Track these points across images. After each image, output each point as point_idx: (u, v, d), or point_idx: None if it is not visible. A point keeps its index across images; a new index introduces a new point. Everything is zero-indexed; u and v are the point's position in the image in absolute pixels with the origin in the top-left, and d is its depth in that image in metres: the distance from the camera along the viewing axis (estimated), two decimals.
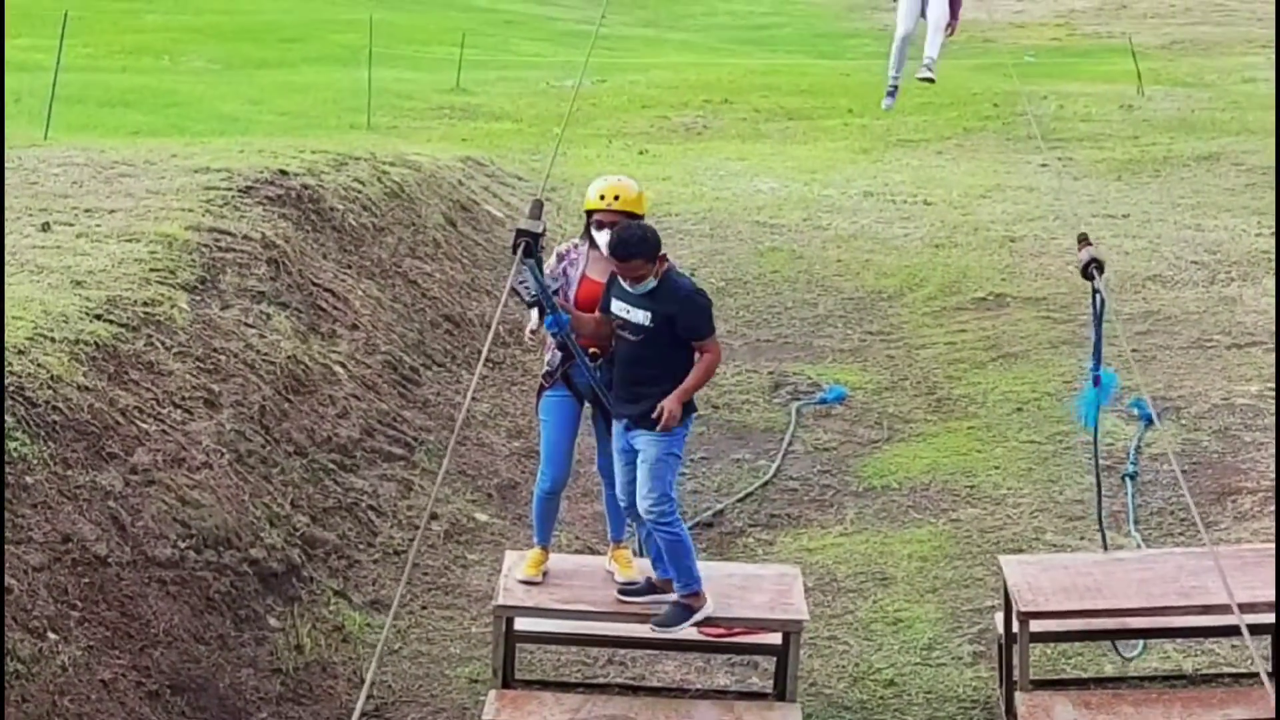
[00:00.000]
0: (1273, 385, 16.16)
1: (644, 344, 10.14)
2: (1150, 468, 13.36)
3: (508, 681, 10.89)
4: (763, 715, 10.90)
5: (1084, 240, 11.60)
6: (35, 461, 11.01)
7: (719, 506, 14.44)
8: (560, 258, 10.63)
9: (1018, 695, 10.70)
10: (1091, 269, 11.28)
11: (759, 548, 13.71)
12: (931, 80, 16.86)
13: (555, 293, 10.34)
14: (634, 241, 9.97)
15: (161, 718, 10.37)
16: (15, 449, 10.91)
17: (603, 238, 10.31)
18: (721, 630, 11.33)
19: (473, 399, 15.46)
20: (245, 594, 11.82)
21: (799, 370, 17.41)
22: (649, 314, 10.04)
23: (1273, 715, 10.65)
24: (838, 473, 15.19)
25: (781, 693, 11.08)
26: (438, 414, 15.22)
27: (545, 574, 10.74)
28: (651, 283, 10.06)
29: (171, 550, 11.51)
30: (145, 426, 12.28)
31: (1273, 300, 18.60)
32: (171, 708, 10.50)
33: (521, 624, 10.88)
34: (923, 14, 16.95)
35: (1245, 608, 10.76)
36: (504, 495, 14.22)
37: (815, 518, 14.36)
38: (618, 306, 10.15)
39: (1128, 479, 13.52)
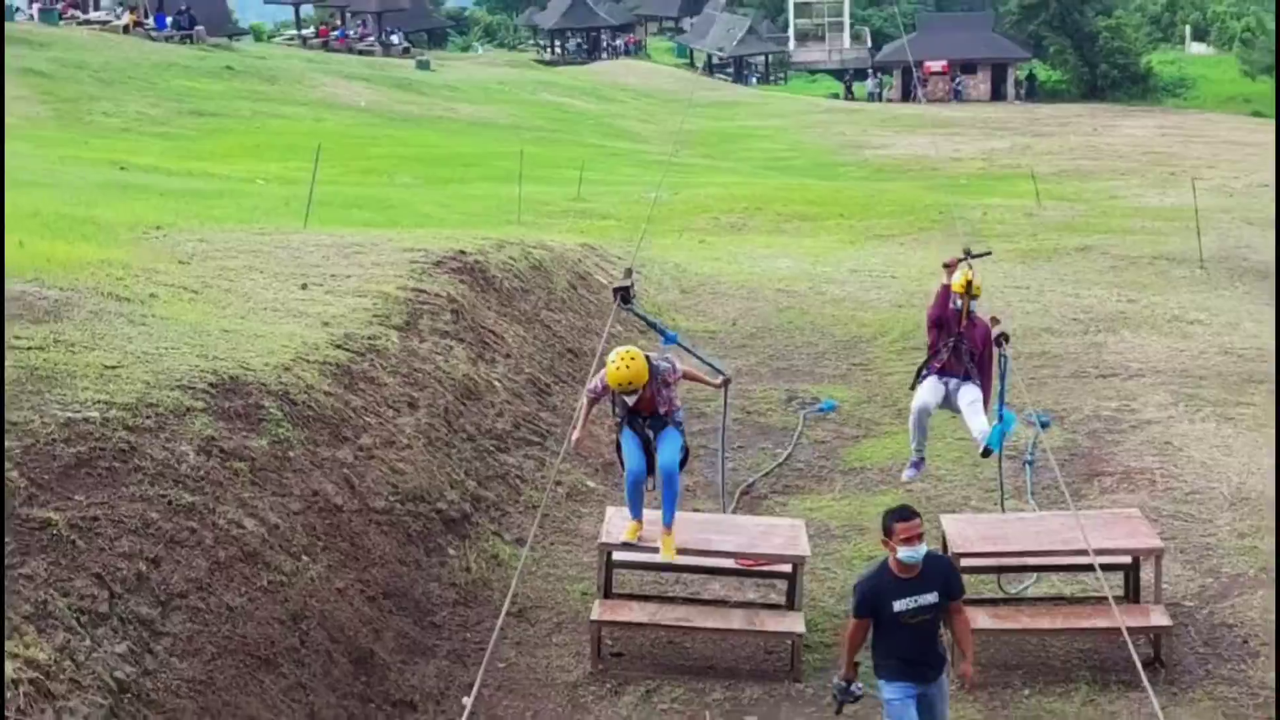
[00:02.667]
0: (1128, 403, 16.06)
1: (935, 618, 8.48)
2: (1042, 458, 13.26)
3: (607, 593, 10.95)
4: (778, 619, 10.94)
5: (995, 320, 12.05)
6: (295, 442, 11.11)
7: (751, 480, 14.43)
8: (603, 385, 10.61)
9: None
10: (1000, 339, 11.57)
11: (777, 507, 13.72)
12: (990, 452, 11.96)
13: (605, 390, 10.54)
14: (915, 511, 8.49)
15: (376, 614, 10.46)
16: (281, 434, 11.02)
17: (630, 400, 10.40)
18: (751, 562, 11.37)
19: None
20: (432, 533, 11.90)
21: (804, 388, 17.40)
22: (935, 592, 8.40)
23: (1124, 625, 10.64)
24: (830, 458, 15.18)
25: (791, 604, 11.10)
26: (563, 414, 15.27)
27: (640, 538, 10.73)
28: (919, 553, 8.37)
29: (384, 502, 11.60)
30: (368, 419, 12.39)
31: (1129, 345, 18.48)
32: (383, 608, 10.60)
33: (617, 556, 10.93)
34: (945, 403, 12.41)
35: (1101, 552, 10.78)
36: (606, 469, 14.18)
37: (815, 488, 14.36)
38: (904, 604, 8.30)
39: (1027, 464, 13.40)
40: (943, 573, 8.48)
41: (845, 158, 47.72)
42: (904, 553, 8.25)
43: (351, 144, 37.38)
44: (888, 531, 8.37)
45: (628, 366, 10.24)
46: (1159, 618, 10.43)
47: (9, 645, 7.40)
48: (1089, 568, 11.20)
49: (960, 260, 11.80)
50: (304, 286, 15.40)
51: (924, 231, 27.74)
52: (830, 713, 9.96)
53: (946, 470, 14.49)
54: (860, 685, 8.58)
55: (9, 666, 7.27)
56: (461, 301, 16.16)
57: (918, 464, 12.80)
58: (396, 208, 26.98)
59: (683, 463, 10.85)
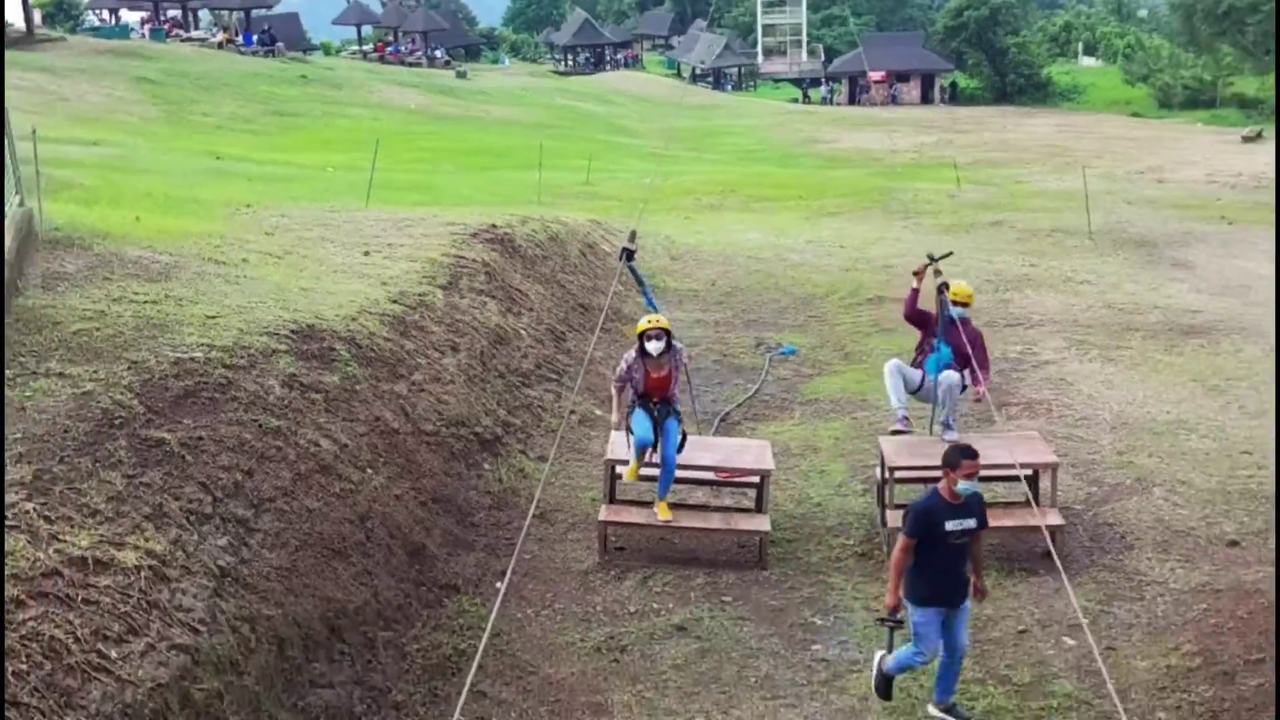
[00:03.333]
0: (1030, 347, 16.05)
1: (968, 544, 8.08)
2: (963, 397, 13.27)
3: (612, 499, 10.96)
4: (748, 520, 10.94)
5: (943, 286, 11.15)
6: (360, 377, 11.09)
7: (728, 409, 14.43)
8: (628, 366, 10.47)
9: (887, 511, 10.73)
10: (941, 288, 11.12)
11: (748, 431, 13.72)
12: (954, 438, 10.70)
13: (630, 372, 10.43)
14: (977, 451, 8.16)
15: (427, 515, 10.46)
16: (349, 371, 10.99)
17: (651, 345, 10.25)
18: (727, 474, 11.40)
19: (594, 349, 15.53)
20: (471, 451, 11.90)
21: (770, 336, 17.38)
22: (974, 519, 8.08)
23: (1025, 524, 10.68)
24: (791, 392, 15.16)
25: (759, 508, 11.12)
26: (576, 357, 15.25)
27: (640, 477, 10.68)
28: (972, 487, 8.08)
29: (432, 426, 11.59)
30: (418, 360, 12.37)
31: (1031, 301, 18.45)
32: (432, 510, 10.58)
33: (620, 469, 10.93)
34: (920, 386, 11.17)
35: (1008, 465, 10.77)
36: (610, 401, 14.19)
37: (778, 416, 14.35)
38: (954, 525, 7.96)
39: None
40: (979, 505, 8.13)
41: (803, 150, 47.47)
42: (963, 485, 7.95)
43: (403, 139, 37.13)
44: (953, 464, 7.98)
45: (658, 320, 10.42)
46: (1054, 518, 10.47)
47: (132, 539, 7.43)
48: (999, 478, 11.24)
49: (926, 265, 11.07)
50: (366, 253, 15.36)
51: (867, 210, 27.64)
52: (791, 593, 10.04)
53: (884, 402, 14.46)
54: (902, 612, 8.03)
55: (132, 556, 7.30)
56: (493, 265, 16.11)
57: (904, 420, 11.24)
58: (440, 190, 26.87)
59: (680, 445, 10.69)
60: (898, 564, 8.01)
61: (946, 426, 11.18)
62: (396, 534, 9.80)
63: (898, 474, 10.77)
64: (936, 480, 11.28)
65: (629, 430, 10.59)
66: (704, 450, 11.29)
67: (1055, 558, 10.38)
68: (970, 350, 10.84)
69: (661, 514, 10.59)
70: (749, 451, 11.40)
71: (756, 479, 11.14)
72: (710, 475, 11.43)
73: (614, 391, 10.72)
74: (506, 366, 13.98)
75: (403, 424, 11.15)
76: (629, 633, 9.41)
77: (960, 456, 8.05)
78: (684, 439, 10.71)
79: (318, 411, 10.11)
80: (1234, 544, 10.39)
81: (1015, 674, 8.76)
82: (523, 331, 15.09)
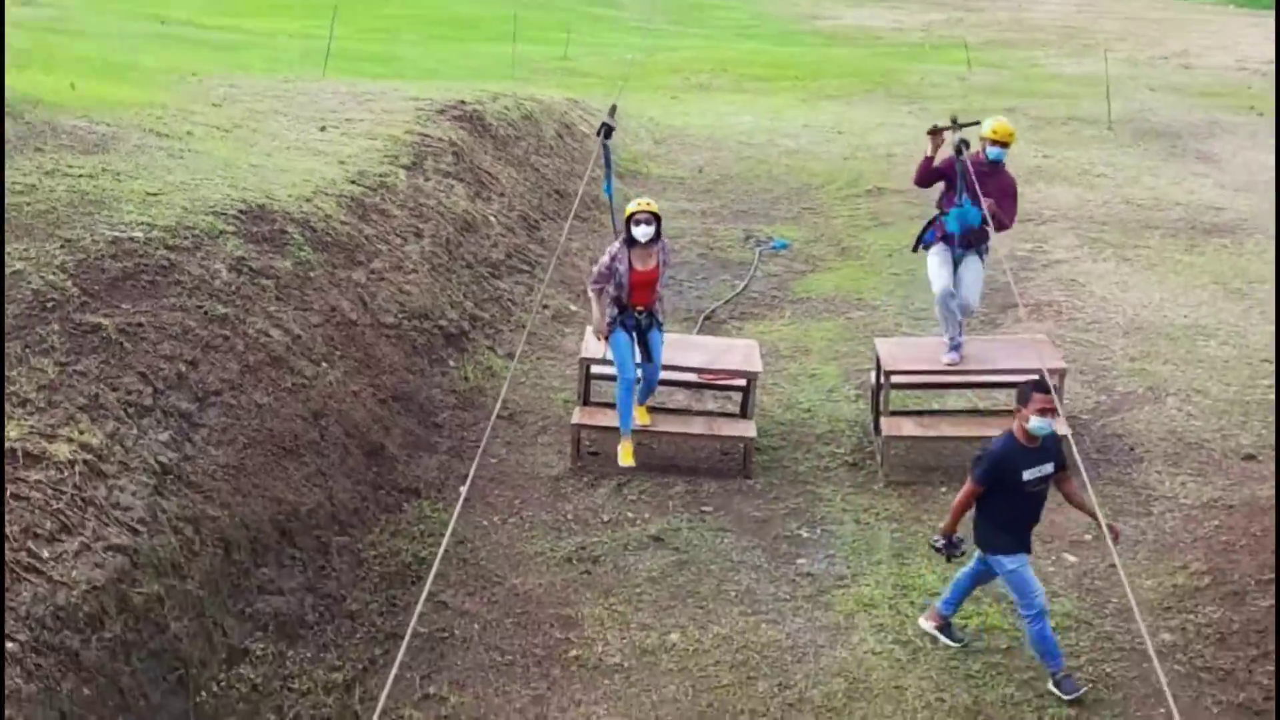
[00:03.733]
0: (1041, 245, 16.04)
1: (1047, 488, 7.94)
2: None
3: (586, 401, 10.96)
4: (732, 425, 10.97)
5: (962, 146, 10.64)
6: (315, 263, 11.02)
7: (713, 306, 14.41)
8: (611, 257, 10.16)
9: (882, 418, 10.78)
10: (960, 146, 10.68)
11: (734, 331, 13.70)
12: (957, 361, 10.88)
13: (611, 272, 10.10)
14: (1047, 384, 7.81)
15: (386, 413, 10.47)
16: (303, 256, 10.93)
17: (640, 231, 10.04)
18: (712, 376, 11.40)
19: (569, 239, 15.45)
20: (435, 346, 11.88)
21: (760, 228, 17.31)
22: (1052, 463, 7.88)
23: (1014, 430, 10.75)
24: (781, 289, 15.14)
25: (744, 413, 11.15)
26: (550, 246, 15.17)
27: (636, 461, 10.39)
28: (1048, 426, 7.79)
29: (393, 318, 11.55)
30: (379, 246, 12.29)
31: (1043, 195, 18.40)
32: (392, 409, 10.60)
33: (595, 369, 10.93)
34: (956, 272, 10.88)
35: (1013, 371, 10.84)
36: (584, 296, 14.13)
37: (768, 314, 14.33)
38: (1031, 473, 7.74)
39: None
40: (1056, 447, 7.85)
41: (801, 26, 46.95)
42: (1035, 423, 7.63)
43: (364, 5, 36.47)
44: (1024, 399, 7.74)
45: (648, 203, 10.21)
46: (1061, 428, 10.42)
47: (65, 431, 7.40)
48: (1003, 384, 11.30)
49: (947, 128, 10.66)
50: (322, 129, 15.17)
51: (869, 93, 27.39)
52: (776, 503, 10.11)
53: (882, 301, 14.49)
54: (961, 537, 7.98)
55: (65, 449, 7.27)
56: (461, 145, 15.94)
57: (957, 348, 10.97)
58: (404, 62, 26.50)
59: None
60: (959, 507, 7.88)
61: (952, 347, 10.96)
62: (353, 433, 9.80)
63: (894, 379, 10.79)
64: (936, 386, 11.49)
65: (608, 351, 10.32)
66: (687, 350, 11.28)
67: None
68: (999, 204, 10.45)
69: (640, 418, 10.59)
70: (735, 352, 11.39)
71: (742, 382, 11.15)
72: (693, 377, 11.43)
73: (592, 294, 10.30)
74: (474, 256, 13.90)
75: (361, 315, 11.11)
76: (602, 543, 9.46)
77: (1032, 390, 7.72)
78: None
79: (268, 299, 10.04)
80: (1250, 458, 10.48)
81: None
82: (492, 218, 15.00)
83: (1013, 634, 8.39)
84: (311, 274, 10.85)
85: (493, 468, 10.48)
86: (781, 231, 17.15)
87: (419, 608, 5.59)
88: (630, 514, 9.92)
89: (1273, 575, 8.59)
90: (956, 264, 10.90)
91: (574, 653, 8.21)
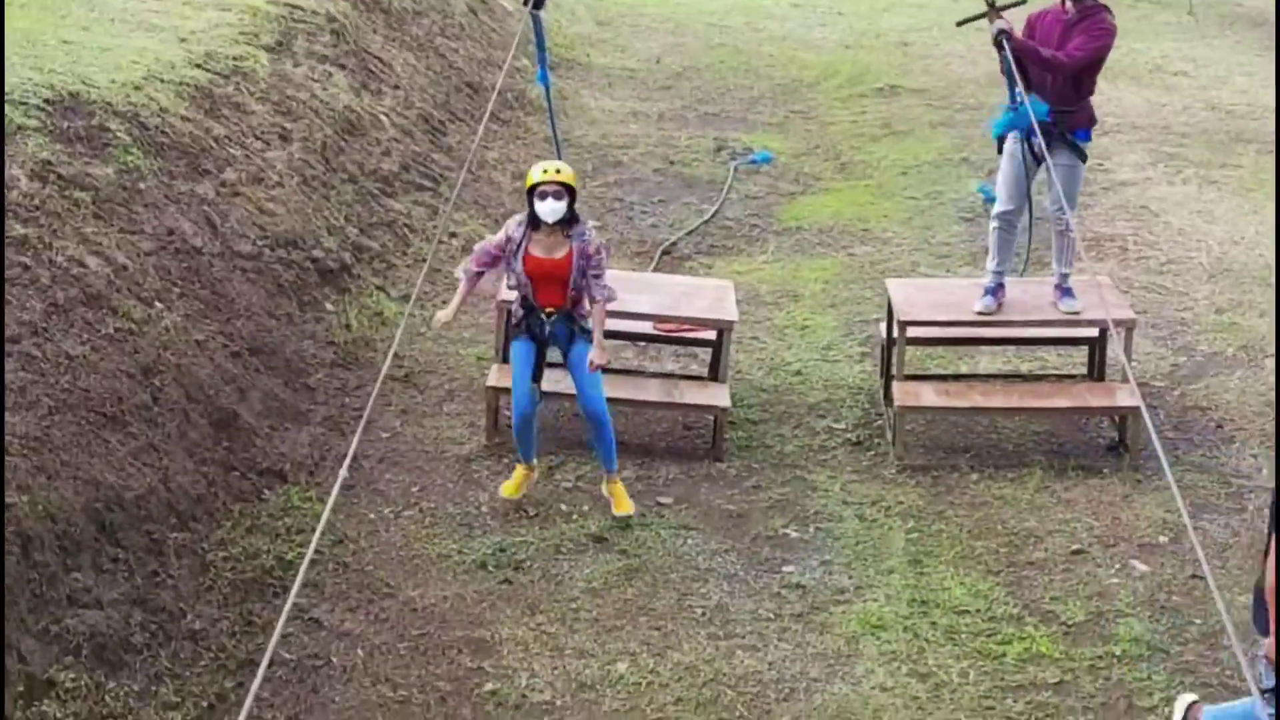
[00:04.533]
0: (1101, 162, 16.07)
1: None
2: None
3: (507, 358, 10.84)
4: (699, 391, 10.92)
5: (1003, 37, 10.47)
6: (146, 172, 10.93)
7: (675, 238, 14.36)
8: (506, 238, 9.52)
9: (895, 384, 10.75)
10: (1001, 38, 10.66)
11: (701, 270, 13.72)
12: (1077, 312, 10.70)
13: (499, 255, 9.50)
14: None
15: (241, 371, 10.40)
16: (130, 162, 10.84)
17: (544, 206, 9.30)
18: (672, 327, 11.34)
19: (484, 147, 15.35)
20: (308, 284, 11.84)
21: (736, 137, 17.32)
22: None
23: (1086, 405, 10.79)
24: (763, 216, 15.19)
25: (715, 375, 11.11)
26: (458, 157, 15.10)
27: (523, 496, 9.83)
28: None
29: (251, 247, 11.49)
30: (233, 151, 12.21)
31: (1104, 97, 18.41)
32: (249, 365, 10.53)
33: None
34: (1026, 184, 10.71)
35: (1065, 323, 10.84)
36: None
37: (744, 249, 14.37)
38: None
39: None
40: None
41: None
42: None
43: None
44: None
45: (558, 170, 9.39)
46: (1126, 398, 10.50)
47: None
48: (1049, 341, 11.28)
49: (983, 15, 10.57)
50: None
51: None
52: (756, 494, 10.07)
53: (894, 233, 14.54)
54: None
55: None
56: (343, 21, 15.82)
57: (995, 290, 10.81)
58: None
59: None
60: (1275, 590, 6.38)
61: (1064, 291, 10.73)
62: (197, 396, 9.71)
63: (911, 331, 10.78)
64: (966, 342, 11.48)
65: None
66: (641, 292, 11.20)
67: (1126, 452, 10.49)
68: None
69: (618, 506, 9.75)
70: (702, 295, 11.35)
71: (712, 334, 11.12)
72: (647, 328, 11.35)
73: (460, 275, 9.72)
74: (360, 167, 13.84)
75: (208, 241, 11.01)
76: (527, 543, 9.43)
77: None
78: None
79: (83, 218, 9.92)
80: None
81: (1064, 609, 8.86)
82: (384, 118, 14.92)
83: (1065, 664, 8.39)
84: (142, 186, 10.73)
85: (383, 444, 10.42)
86: (764, 141, 17.15)
87: (281, 626, 5.47)
88: (564, 506, 9.88)
89: None
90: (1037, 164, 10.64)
91: (489, 687, 8.15)
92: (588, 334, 9.65)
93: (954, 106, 18.16)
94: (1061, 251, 10.84)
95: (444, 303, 10.79)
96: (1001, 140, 10.93)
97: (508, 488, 9.83)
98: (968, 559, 9.32)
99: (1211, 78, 19.62)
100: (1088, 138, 10.90)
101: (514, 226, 9.57)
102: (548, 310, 9.58)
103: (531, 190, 9.38)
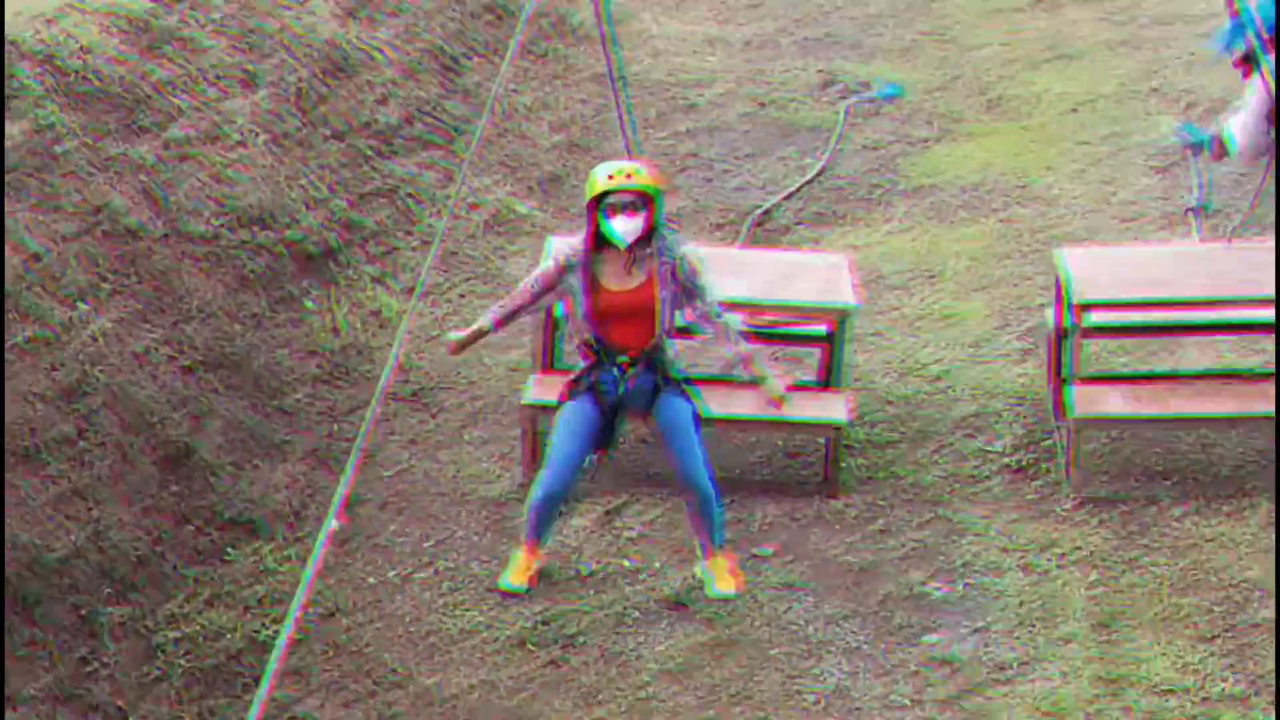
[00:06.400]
0: None
1: None
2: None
3: (549, 365, 10.89)
4: (807, 404, 10.74)
5: None
6: (65, 131, 11.08)
7: (770, 203, 14.31)
8: (563, 261, 9.32)
9: (1070, 389, 10.65)
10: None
11: (806, 244, 13.63)
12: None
13: (555, 284, 9.31)
14: None
15: (196, 391, 10.44)
16: (44, 116, 10.97)
17: (617, 225, 9.10)
18: (770, 318, 11.27)
19: (514, 90, 15.33)
20: (282, 274, 11.91)
21: (848, 68, 17.21)
22: None
23: None
24: (887, 171, 15.07)
25: (826, 383, 11.04)
26: (479, 104, 15.06)
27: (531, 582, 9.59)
28: None
29: (206, 227, 11.58)
30: (178, 101, 12.32)
31: None
32: (206, 384, 10.58)
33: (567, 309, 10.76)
34: None
35: None
36: (546, 189, 14.09)
37: (863, 215, 14.28)
38: None
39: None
40: None
41: None
42: None
43: None
44: None
45: (634, 172, 9.20)
46: None
47: None
48: (1248, 326, 11.13)
49: None
50: None
51: None
52: (884, 540, 10.01)
53: (1063, 190, 14.44)
54: None
55: None
56: None
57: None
58: None
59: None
60: None
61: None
62: (137, 425, 9.83)
63: (1091, 317, 10.68)
64: (1163, 330, 11.37)
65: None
66: (728, 275, 11.12)
67: None
68: None
69: (719, 580, 9.57)
70: (809, 277, 11.40)
71: (824, 328, 11.12)
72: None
73: (499, 307, 9.59)
74: (350, 119, 13.95)
75: (149, 219, 11.15)
76: (580, 613, 9.49)
77: None
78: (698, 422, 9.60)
79: None
80: None
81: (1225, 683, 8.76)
82: (381, 54, 14.97)
83: None
84: (59, 148, 10.90)
85: (386, 484, 10.50)
86: (886, 73, 17.06)
87: None
88: (628, 562, 9.93)
89: None
90: None
91: None
92: (678, 384, 9.47)
93: (1139, 20, 18.02)
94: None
95: (463, 294, 10.80)
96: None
97: (511, 577, 9.57)
98: (1172, 621, 9.27)
99: None
100: None
101: (567, 250, 9.35)
102: (621, 358, 9.36)
103: (596, 201, 9.19)
